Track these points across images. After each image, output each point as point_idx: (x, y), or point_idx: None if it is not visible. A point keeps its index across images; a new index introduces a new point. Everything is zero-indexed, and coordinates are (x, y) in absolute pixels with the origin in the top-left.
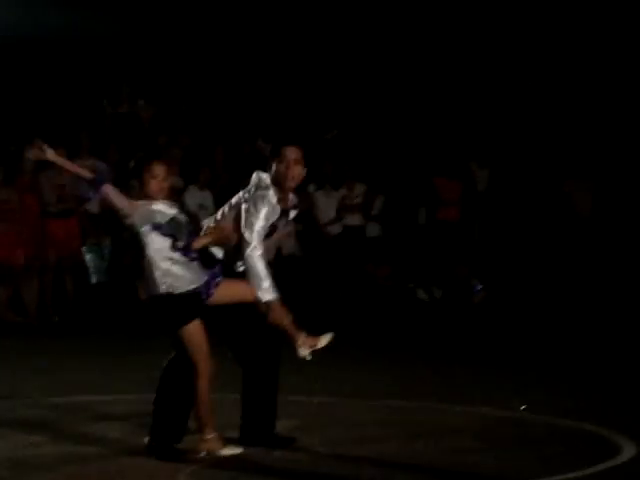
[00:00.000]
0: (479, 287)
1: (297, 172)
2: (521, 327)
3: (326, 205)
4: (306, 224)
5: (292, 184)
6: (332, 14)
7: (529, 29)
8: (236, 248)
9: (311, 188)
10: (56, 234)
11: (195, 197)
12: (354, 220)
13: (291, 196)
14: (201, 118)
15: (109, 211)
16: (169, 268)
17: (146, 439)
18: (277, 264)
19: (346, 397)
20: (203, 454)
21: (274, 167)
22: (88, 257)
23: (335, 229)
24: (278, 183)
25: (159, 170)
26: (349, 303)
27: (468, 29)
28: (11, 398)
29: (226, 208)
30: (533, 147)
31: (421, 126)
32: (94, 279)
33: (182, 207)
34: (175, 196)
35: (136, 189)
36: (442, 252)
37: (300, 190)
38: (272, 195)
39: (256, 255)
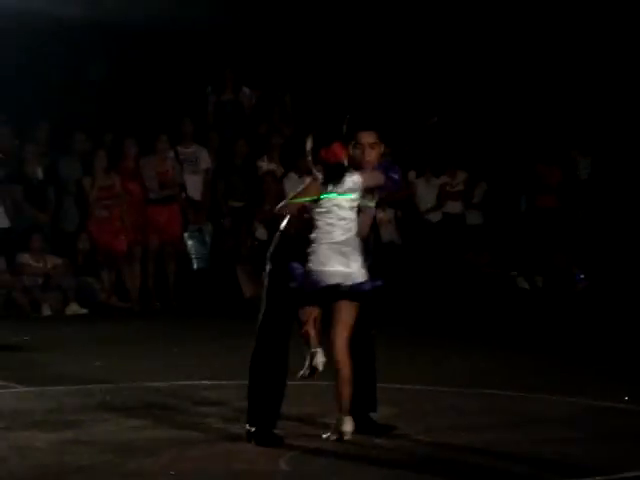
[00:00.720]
0: (581, 276)
1: (373, 156)
2: (624, 317)
3: (426, 192)
4: (406, 211)
5: (368, 167)
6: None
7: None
8: None
9: (412, 175)
10: (158, 220)
11: (294, 184)
12: (455, 208)
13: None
14: (302, 105)
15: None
16: None
17: (247, 425)
18: (376, 251)
19: (446, 385)
20: (334, 437)
21: (350, 151)
22: (190, 243)
23: (435, 216)
24: (354, 167)
25: None
26: (449, 291)
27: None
28: (113, 382)
29: None
30: (638, 135)
31: (523, 113)
32: (196, 265)
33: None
34: (275, 183)
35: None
36: (542, 240)
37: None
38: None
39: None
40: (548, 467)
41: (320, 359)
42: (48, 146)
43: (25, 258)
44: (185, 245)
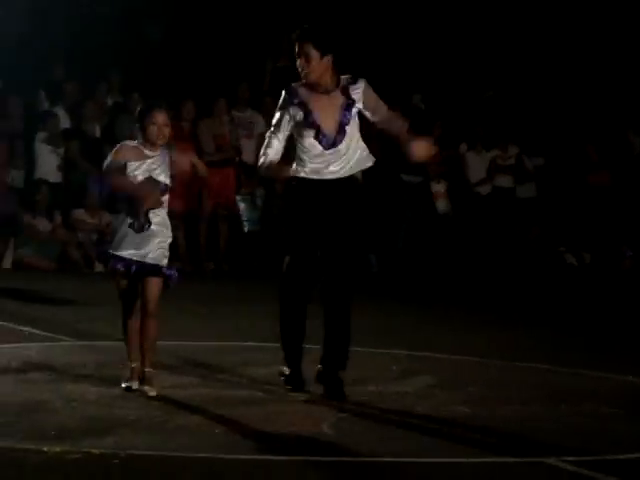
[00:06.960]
0: (629, 253)
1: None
2: None
3: (477, 165)
4: (456, 183)
5: None
6: None
7: None
8: None
9: (463, 148)
10: (212, 183)
11: None
12: (505, 181)
13: None
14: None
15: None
16: None
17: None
18: (431, 222)
19: (491, 357)
20: None
21: None
22: (242, 206)
23: (485, 189)
24: None
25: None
26: (498, 263)
27: None
28: (162, 340)
29: None
30: None
31: (578, 91)
32: (247, 228)
33: None
34: None
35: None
36: (593, 217)
37: (451, 149)
38: None
39: None
40: (592, 443)
41: None
42: (108, 103)
43: (80, 214)
44: (237, 208)
